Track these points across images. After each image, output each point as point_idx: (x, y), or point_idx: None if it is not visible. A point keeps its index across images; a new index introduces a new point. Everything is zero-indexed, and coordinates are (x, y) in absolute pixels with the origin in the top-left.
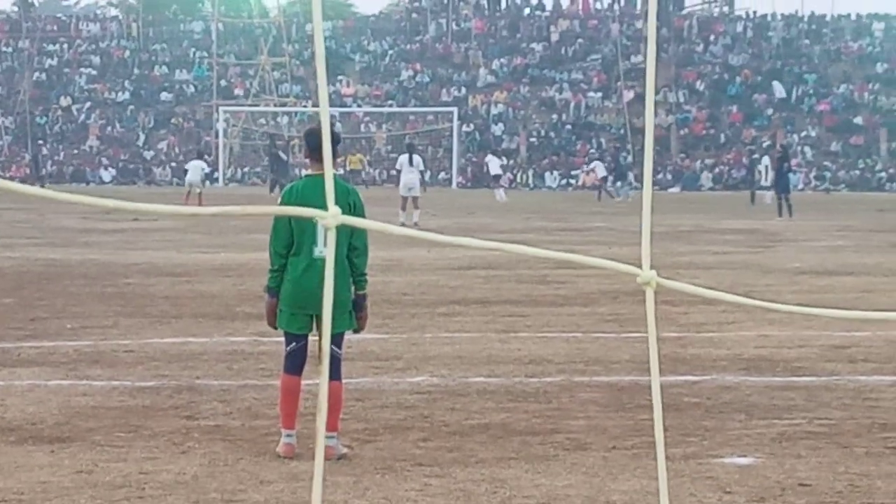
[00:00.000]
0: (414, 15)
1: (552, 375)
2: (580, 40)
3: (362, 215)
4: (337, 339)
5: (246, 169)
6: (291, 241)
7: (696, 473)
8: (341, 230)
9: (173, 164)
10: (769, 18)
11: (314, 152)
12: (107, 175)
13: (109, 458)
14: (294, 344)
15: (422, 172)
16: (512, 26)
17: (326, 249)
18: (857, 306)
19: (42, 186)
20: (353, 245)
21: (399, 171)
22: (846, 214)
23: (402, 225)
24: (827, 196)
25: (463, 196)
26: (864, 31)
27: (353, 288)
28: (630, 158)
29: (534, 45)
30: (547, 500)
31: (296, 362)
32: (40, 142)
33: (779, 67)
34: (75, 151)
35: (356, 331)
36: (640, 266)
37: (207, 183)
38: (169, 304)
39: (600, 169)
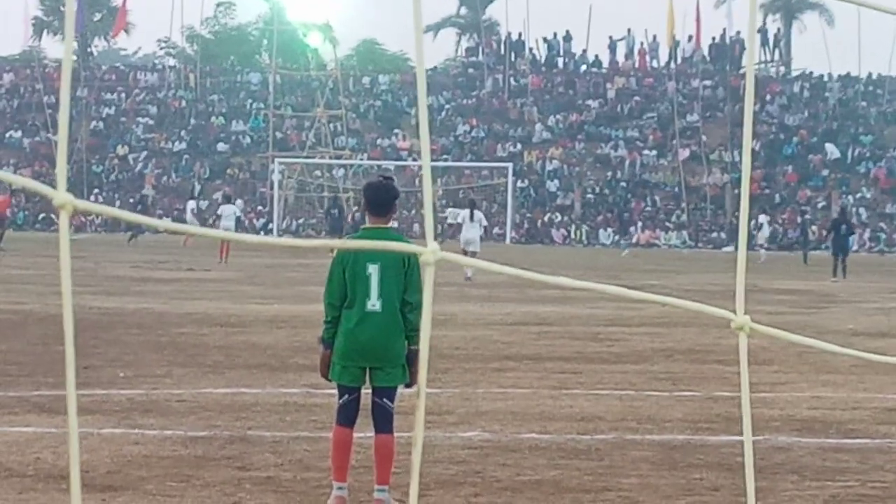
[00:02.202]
0: (470, 70)
1: (604, 433)
2: (636, 98)
3: (418, 272)
4: (389, 393)
5: (300, 220)
6: (345, 293)
7: None
8: (396, 285)
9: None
10: (826, 79)
11: (373, 206)
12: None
13: None
14: (347, 396)
15: (484, 228)
16: (568, 83)
17: (427, 294)
18: None
19: (134, 235)
20: (406, 300)
21: (459, 225)
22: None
23: (468, 279)
24: (881, 258)
25: (517, 251)
26: None
27: (405, 343)
28: (685, 217)
29: (590, 101)
30: None
31: (348, 415)
32: (96, 190)
33: (835, 128)
34: (131, 200)
35: (408, 385)
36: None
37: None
38: (222, 355)
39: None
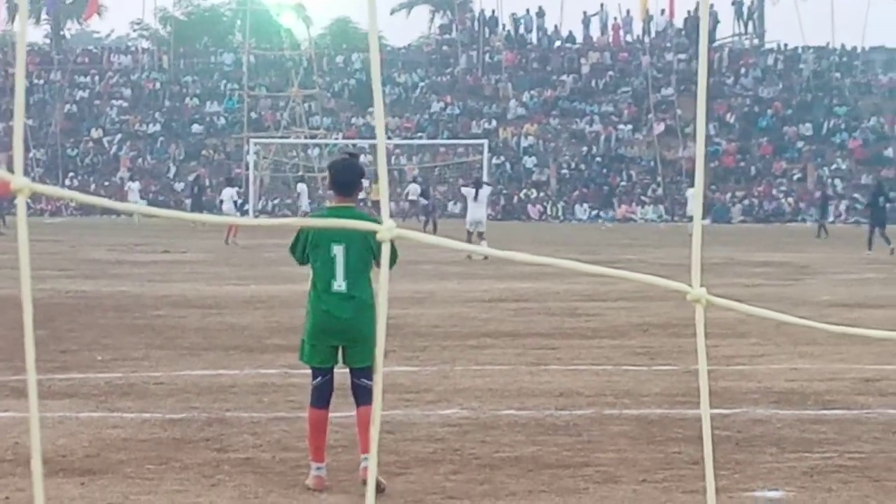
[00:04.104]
0: (444, 47)
1: (582, 408)
2: (610, 73)
3: (392, 252)
4: (366, 372)
5: (276, 201)
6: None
7: None
8: (362, 264)
9: (204, 197)
10: (800, 51)
11: (338, 186)
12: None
13: (140, 490)
14: (320, 378)
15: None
16: (542, 58)
17: (381, 276)
18: (888, 339)
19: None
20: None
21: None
22: (876, 247)
23: (469, 258)
24: (857, 228)
25: (493, 228)
26: (894, 64)
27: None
28: (661, 191)
29: (564, 77)
30: None
31: (322, 396)
32: (71, 174)
33: (809, 100)
34: (106, 183)
35: None
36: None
37: (238, 207)
38: (199, 337)
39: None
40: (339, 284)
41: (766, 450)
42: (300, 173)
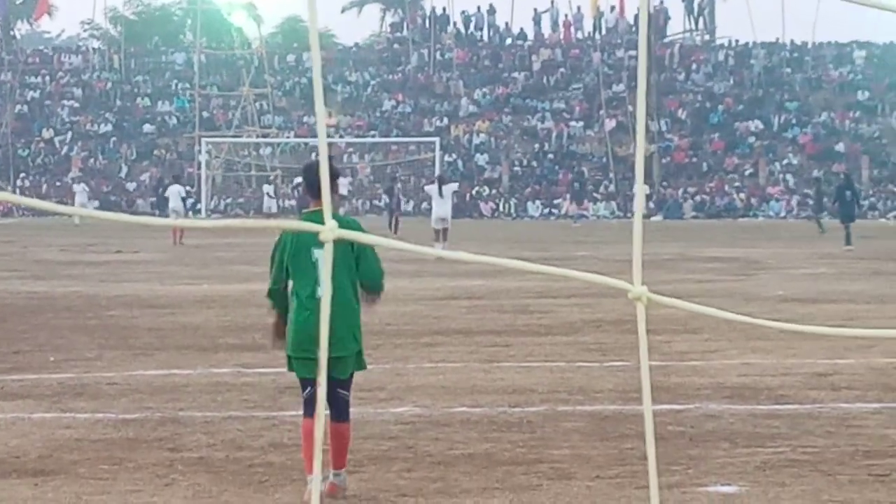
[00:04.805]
0: (395, 45)
1: (535, 405)
2: (562, 69)
3: (371, 249)
4: (344, 384)
5: (228, 200)
6: (284, 280)
7: (680, 502)
8: (345, 269)
9: (153, 198)
10: (750, 46)
11: (313, 188)
12: (89, 207)
13: (93, 490)
14: (310, 389)
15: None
16: (494, 56)
17: (324, 285)
18: (830, 335)
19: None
20: (364, 283)
21: (429, 202)
22: (828, 242)
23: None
24: (809, 223)
25: None
26: (845, 59)
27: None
28: (613, 187)
29: (515, 74)
30: None
31: (315, 406)
32: (22, 174)
33: (760, 96)
34: (58, 184)
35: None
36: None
37: (188, 205)
38: (152, 336)
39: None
40: (321, 291)
41: (719, 445)
42: (265, 173)
